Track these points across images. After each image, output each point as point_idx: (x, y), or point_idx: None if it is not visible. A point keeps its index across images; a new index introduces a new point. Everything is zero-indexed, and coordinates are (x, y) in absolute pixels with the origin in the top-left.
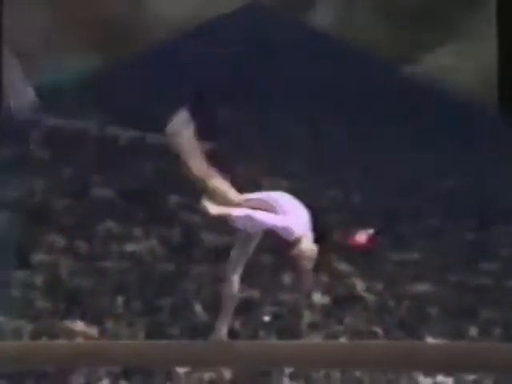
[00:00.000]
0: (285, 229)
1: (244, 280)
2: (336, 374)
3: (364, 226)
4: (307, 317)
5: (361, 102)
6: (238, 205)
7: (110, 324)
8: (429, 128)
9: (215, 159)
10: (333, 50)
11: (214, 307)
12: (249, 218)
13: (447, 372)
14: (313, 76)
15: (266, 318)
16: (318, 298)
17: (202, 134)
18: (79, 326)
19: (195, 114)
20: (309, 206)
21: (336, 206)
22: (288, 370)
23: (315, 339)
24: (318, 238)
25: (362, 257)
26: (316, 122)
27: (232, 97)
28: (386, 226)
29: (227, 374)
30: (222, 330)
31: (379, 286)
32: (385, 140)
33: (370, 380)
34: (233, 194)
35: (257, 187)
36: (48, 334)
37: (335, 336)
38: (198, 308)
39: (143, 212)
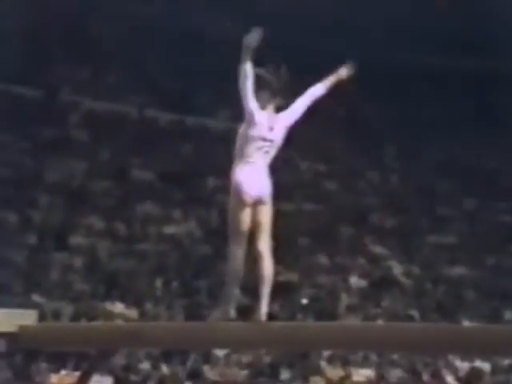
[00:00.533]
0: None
1: (282, 262)
2: (373, 357)
3: (401, 208)
4: (345, 299)
5: (398, 81)
6: None
7: (149, 306)
8: (468, 109)
9: None
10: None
11: (252, 289)
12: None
13: (483, 356)
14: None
15: (304, 301)
16: (354, 280)
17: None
18: (118, 308)
19: None
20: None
21: (373, 188)
22: (326, 353)
23: (353, 322)
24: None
25: (399, 240)
26: (352, 101)
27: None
28: (422, 208)
29: (265, 356)
30: (263, 310)
31: (416, 270)
32: (423, 120)
33: (407, 363)
34: None
35: (295, 170)
36: (87, 316)
37: (373, 319)
38: (236, 290)
39: (182, 194)
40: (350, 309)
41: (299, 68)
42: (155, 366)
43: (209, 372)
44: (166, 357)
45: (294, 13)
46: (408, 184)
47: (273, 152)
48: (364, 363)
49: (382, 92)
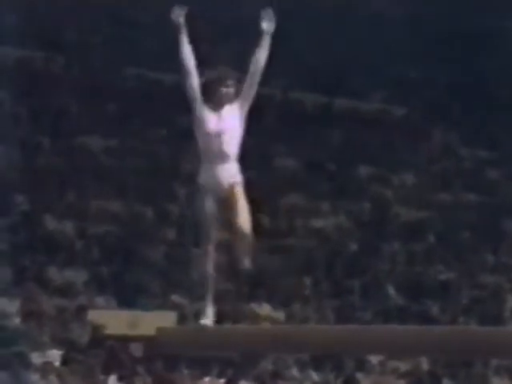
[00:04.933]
0: None
1: (440, 259)
2: None
3: None
4: (510, 302)
5: None
6: None
7: (297, 307)
8: None
9: None
10: None
11: (409, 289)
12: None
13: None
14: None
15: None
16: None
17: None
18: (265, 309)
19: None
20: None
21: None
22: (493, 362)
23: None
24: None
25: None
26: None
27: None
28: None
29: (424, 363)
30: (208, 315)
31: None
32: None
33: None
34: None
35: (454, 157)
36: (232, 318)
37: None
38: (391, 290)
39: (330, 185)
40: None
41: None
42: (305, 373)
43: (363, 380)
44: (317, 363)
45: None
46: None
47: (234, 141)
48: None
49: None
